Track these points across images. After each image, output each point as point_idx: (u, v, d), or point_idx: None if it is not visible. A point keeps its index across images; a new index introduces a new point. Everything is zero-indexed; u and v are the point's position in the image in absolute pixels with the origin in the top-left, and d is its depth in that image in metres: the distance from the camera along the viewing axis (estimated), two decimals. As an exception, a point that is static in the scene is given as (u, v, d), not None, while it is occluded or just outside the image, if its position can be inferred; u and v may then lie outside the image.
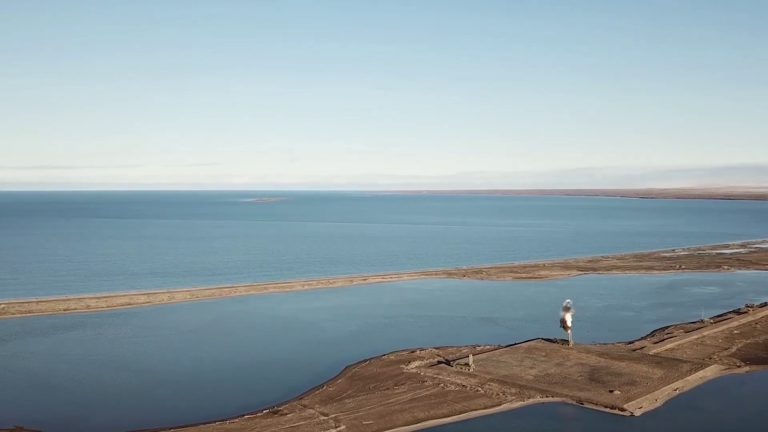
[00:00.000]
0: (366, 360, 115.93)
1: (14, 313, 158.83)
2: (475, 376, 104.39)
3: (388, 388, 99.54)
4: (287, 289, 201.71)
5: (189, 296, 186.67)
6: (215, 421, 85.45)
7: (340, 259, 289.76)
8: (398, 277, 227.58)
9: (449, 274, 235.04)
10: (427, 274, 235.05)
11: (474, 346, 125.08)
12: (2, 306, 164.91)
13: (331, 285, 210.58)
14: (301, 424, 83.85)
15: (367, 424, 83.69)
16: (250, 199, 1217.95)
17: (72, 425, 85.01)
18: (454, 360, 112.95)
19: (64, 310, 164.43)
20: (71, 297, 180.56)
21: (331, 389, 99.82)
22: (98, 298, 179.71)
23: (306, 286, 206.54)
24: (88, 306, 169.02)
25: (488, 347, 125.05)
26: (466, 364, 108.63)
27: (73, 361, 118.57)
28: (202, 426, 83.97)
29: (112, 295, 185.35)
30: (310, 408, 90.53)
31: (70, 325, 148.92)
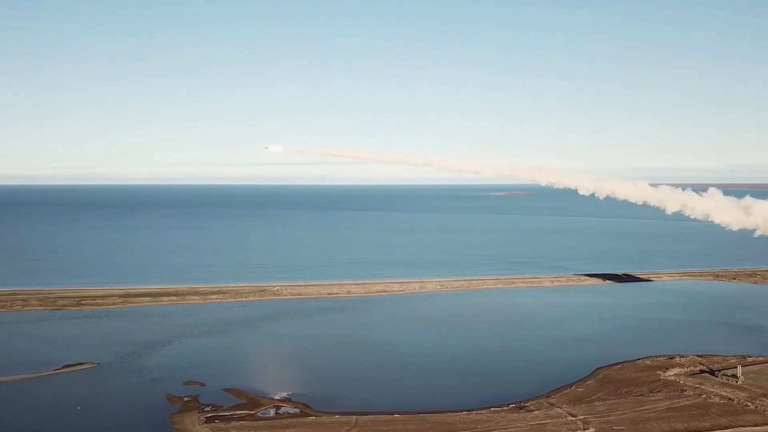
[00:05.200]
0: (618, 363, 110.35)
1: (287, 295, 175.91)
2: (745, 389, 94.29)
3: (642, 394, 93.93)
4: (535, 285, 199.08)
5: (439, 286, 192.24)
6: (462, 411, 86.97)
7: (590, 256, 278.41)
8: (658, 277, 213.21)
9: (716, 276, 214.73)
10: (690, 275, 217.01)
11: (743, 357, 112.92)
12: (277, 288, 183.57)
13: (581, 282, 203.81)
14: (548, 422, 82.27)
15: (618, 430, 79.67)
16: (498, 193, 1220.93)
17: (331, 402, 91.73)
18: (719, 370, 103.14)
19: (328, 294, 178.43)
20: (335, 282, 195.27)
21: (580, 390, 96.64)
22: (357, 284, 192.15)
23: (555, 282, 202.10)
24: (349, 291, 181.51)
25: (761, 359, 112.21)
26: (734, 376, 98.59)
27: (333, 342, 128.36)
28: (449, 414, 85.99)
29: (369, 282, 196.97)
30: (558, 407, 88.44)
31: (332, 308, 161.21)
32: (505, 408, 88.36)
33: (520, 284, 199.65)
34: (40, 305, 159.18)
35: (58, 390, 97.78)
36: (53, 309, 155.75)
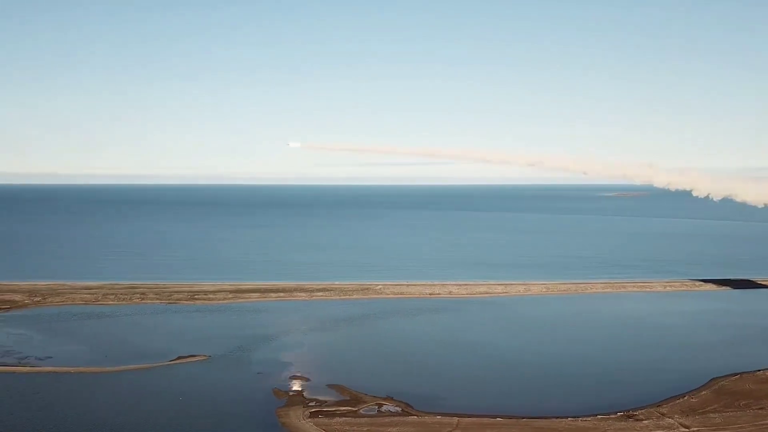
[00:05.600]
0: (736, 374, 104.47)
1: (389, 294, 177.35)
2: None
3: (762, 408, 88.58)
4: (647, 289, 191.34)
5: (544, 289, 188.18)
6: (567, 417, 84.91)
7: (705, 260, 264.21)
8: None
9: None
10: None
11: None
12: (380, 287, 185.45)
13: (696, 288, 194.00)
14: (658, 434, 79.01)
15: (735, 445, 75.49)
16: (610, 194, 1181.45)
17: (433, 402, 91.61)
18: None
19: (430, 294, 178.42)
20: (436, 283, 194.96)
21: (693, 400, 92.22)
22: (459, 285, 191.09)
23: (668, 287, 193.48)
24: (450, 292, 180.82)
25: None
26: None
27: (435, 342, 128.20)
28: (553, 420, 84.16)
29: (471, 283, 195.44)
30: (669, 417, 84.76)
31: (433, 308, 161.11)
32: (613, 416, 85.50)
33: (630, 288, 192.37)
34: (157, 298, 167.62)
35: (172, 380, 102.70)
36: (168, 302, 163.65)
